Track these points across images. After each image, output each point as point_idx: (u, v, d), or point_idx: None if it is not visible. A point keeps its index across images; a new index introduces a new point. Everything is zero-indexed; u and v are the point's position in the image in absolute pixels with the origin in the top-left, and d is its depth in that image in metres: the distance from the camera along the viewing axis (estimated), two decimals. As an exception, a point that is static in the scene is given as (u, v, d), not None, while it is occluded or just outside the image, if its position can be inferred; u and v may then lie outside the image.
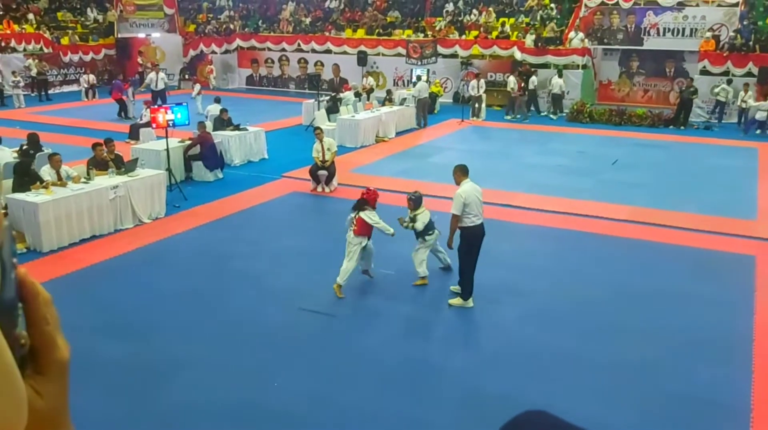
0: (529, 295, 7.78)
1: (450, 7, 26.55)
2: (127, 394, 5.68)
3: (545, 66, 22.14)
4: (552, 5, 24.60)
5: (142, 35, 28.44)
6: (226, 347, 6.52)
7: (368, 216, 7.50)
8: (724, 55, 20.25)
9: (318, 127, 13.10)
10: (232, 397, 5.64)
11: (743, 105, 18.80)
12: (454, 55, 24.34)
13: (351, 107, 18.16)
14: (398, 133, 18.08)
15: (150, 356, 6.32)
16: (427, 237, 7.85)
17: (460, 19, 25.71)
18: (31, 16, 26.43)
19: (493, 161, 14.34)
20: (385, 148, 16.53)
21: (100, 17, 29.30)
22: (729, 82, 19.66)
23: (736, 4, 21.33)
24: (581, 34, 22.29)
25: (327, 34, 27.06)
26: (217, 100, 17.35)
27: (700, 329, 6.96)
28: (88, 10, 29.39)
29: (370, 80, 23.01)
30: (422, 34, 25.27)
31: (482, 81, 20.64)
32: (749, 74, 19.80)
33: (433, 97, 21.15)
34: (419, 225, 7.77)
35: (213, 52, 27.90)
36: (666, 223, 10.47)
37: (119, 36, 28.32)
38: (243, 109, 19.11)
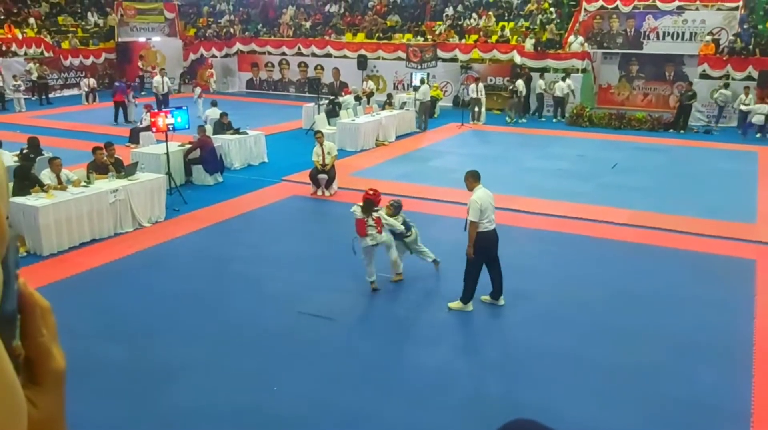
0: (529, 298, 7.78)
1: (450, 11, 26.61)
2: (127, 397, 5.68)
3: (545, 70, 22.17)
4: (552, 9, 24.65)
5: (142, 39, 28.48)
6: (225, 351, 6.52)
7: (380, 214, 7.72)
8: (724, 59, 20.28)
9: (318, 131, 13.12)
10: (231, 400, 5.64)
11: (743, 108, 18.82)
12: (454, 59, 24.37)
13: (351, 111, 18.17)
14: (398, 137, 18.10)
15: (150, 360, 6.32)
16: (405, 239, 8.13)
17: (459, 23, 25.75)
18: (32, 20, 26.48)
19: (493, 165, 14.34)
20: (385, 151, 16.55)
21: (100, 21, 29.35)
22: (726, 86, 19.68)
23: (736, 8, 21.36)
24: (581, 38, 22.32)
25: (327, 38, 27.11)
26: (214, 104, 17.41)
27: (701, 332, 6.96)
28: (89, 14, 29.45)
29: (370, 84, 23.03)
30: (422, 38, 25.31)
31: (481, 85, 20.67)
32: (749, 78, 19.81)
33: (433, 100, 21.17)
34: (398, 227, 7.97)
35: (213, 56, 27.94)
36: (666, 226, 10.47)
37: (120, 40, 28.34)
38: (243, 113, 19.12)
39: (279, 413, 5.52)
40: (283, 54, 27.77)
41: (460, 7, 26.77)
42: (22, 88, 22.89)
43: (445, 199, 11.87)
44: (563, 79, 21.07)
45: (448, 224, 10.48)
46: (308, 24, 28.46)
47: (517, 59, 22.71)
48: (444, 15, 26.49)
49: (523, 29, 24.16)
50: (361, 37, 26.70)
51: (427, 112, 19.67)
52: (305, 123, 18.98)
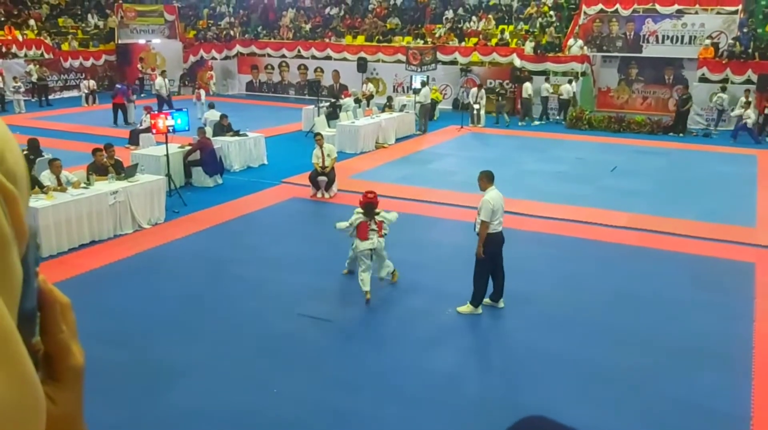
0: (530, 301, 7.78)
1: (450, 14, 26.64)
2: (127, 399, 5.67)
3: (545, 73, 22.21)
4: (551, 13, 24.69)
5: (142, 41, 28.51)
6: (225, 353, 6.51)
7: (383, 217, 7.68)
8: (723, 62, 20.32)
9: (318, 133, 13.13)
10: (231, 402, 5.63)
11: (733, 114, 18.89)
12: (453, 62, 24.42)
13: (351, 113, 18.19)
14: (398, 140, 18.12)
15: (149, 362, 6.31)
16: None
17: (459, 26, 25.79)
18: (32, 22, 26.51)
19: (492, 168, 14.07)
20: (384, 154, 16.56)
21: (100, 23, 29.38)
22: (723, 89, 19.71)
23: (735, 12, 21.40)
24: (580, 42, 22.36)
25: (327, 40, 27.14)
26: (211, 106, 17.46)
27: (700, 336, 6.96)
28: (89, 16, 29.48)
29: (370, 87, 23.06)
30: (422, 41, 25.35)
31: (483, 91, 20.70)
32: (748, 81, 19.85)
33: (433, 103, 21.21)
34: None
35: (213, 58, 27.97)
36: (665, 229, 10.47)
37: (120, 42, 28.37)
38: (243, 115, 19.14)
39: (279, 415, 5.51)
40: (283, 56, 27.80)
41: (460, 10, 26.81)
42: (22, 89, 22.90)
43: (444, 202, 11.87)
44: (570, 82, 21.16)
45: (448, 227, 10.49)
46: (308, 26, 28.49)
47: (517, 62, 22.75)
48: (444, 18, 26.53)
49: (523, 32, 24.20)
50: (360, 39, 26.73)
51: (427, 115, 19.69)
52: (305, 125, 19.00)
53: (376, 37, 26.60)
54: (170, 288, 8.10)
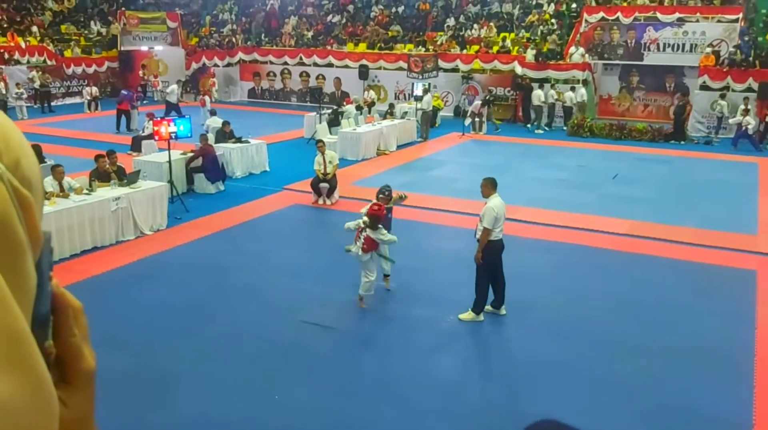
0: (531, 308, 7.78)
1: (451, 21, 26.73)
2: (128, 407, 5.67)
3: (546, 81, 22.28)
4: (553, 21, 24.77)
5: (144, 48, 28.61)
6: (227, 360, 6.51)
7: (377, 236, 7.39)
8: (724, 70, 20.36)
9: (320, 140, 13.15)
10: (232, 409, 5.63)
11: (732, 121, 18.95)
12: (455, 70, 24.48)
13: (352, 120, 18.24)
14: (399, 147, 18.14)
15: (150, 368, 6.31)
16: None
17: (461, 33, 25.87)
18: (35, 28, 26.61)
19: (494, 175, 14.24)
20: (386, 161, 16.59)
21: (103, 30, 29.50)
22: (723, 96, 19.74)
23: (736, 20, 21.47)
24: (582, 49, 22.43)
25: (329, 47, 27.22)
26: (213, 113, 17.53)
27: (702, 343, 6.95)
28: (92, 23, 29.60)
29: (372, 94, 23.12)
30: (423, 49, 25.42)
31: (486, 107, 20.73)
32: (749, 89, 19.89)
33: (435, 110, 21.26)
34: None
35: (215, 65, 28.05)
36: (667, 237, 10.48)
37: (122, 49, 28.49)
38: (245, 122, 19.17)
39: (280, 422, 5.51)
40: (285, 63, 27.89)
41: (461, 18, 26.90)
42: (25, 96, 22.95)
43: (446, 209, 11.89)
44: (572, 89, 21.28)
45: (450, 234, 10.50)
46: (310, 34, 28.59)
47: (518, 70, 22.80)
48: (445, 26, 26.62)
49: (524, 40, 24.27)
50: (362, 47, 26.82)
51: (429, 122, 19.74)
52: (307, 132, 19.04)
53: (378, 45, 26.68)
54: (172, 294, 8.11)
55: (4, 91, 22.65)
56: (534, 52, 22.89)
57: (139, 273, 8.84)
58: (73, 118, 22.41)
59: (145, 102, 25.16)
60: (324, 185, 12.26)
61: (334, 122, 18.10)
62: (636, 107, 23.53)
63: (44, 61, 25.49)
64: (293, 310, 7.63)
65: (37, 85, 24.32)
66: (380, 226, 7.49)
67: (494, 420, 5.53)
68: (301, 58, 27.43)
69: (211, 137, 14.06)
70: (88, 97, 24.08)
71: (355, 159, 16.36)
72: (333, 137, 16.85)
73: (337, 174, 12.45)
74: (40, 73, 24.49)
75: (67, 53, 26.80)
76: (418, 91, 20.06)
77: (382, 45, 26.65)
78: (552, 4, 25.59)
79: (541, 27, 24.60)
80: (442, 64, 24.21)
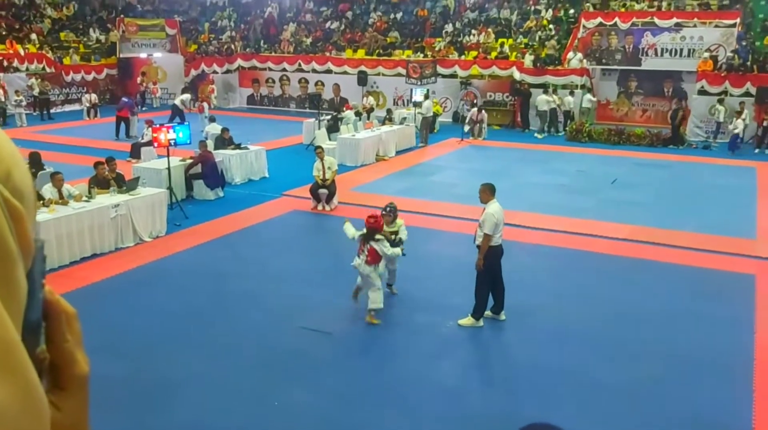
0: (531, 313, 7.78)
1: (449, 28, 26.80)
2: (127, 413, 5.66)
3: (544, 86, 22.35)
4: (551, 26, 24.84)
5: (143, 55, 28.67)
6: (226, 366, 6.50)
7: (380, 248, 7.26)
8: (722, 75, 20.41)
9: (319, 146, 13.17)
10: (231, 416, 5.62)
11: (730, 127, 19.06)
12: (453, 75, 24.53)
13: (351, 126, 18.27)
14: (398, 152, 18.17)
15: (150, 375, 6.30)
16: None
17: (459, 39, 25.94)
18: (34, 36, 26.66)
19: (493, 180, 14.17)
20: (385, 166, 16.60)
21: (102, 37, 29.56)
22: (721, 101, 19.79)
23: (734, 25, 21.54)
24: (580, 55, 22.50)
25: (328, 54, 27.29)
26: (212, 119, 17.57)
27: (701, 347, 6.95)
28: (91, 30, 29.65)
29: (371, 100, 23.17)
30: (422, 55, 25.49)
31: (484, 113, 20.78)
32: (747, 94, 19.94)
33: (434, 116, 21.30)
34: (404, 235, 7.78)
35: (214, 71, 28.10)
36: (666, 241, 10.48)
37: (121, 56, 28.55)
38: (244, 129, 19.21)
39: (280, 428, 5.50)
40: (284, 70, 27.94)
41: (459, 24, 26.97)
42: (24, 103, 22.97)
43: (446, 214, 11.89)
44: (571, 94, 21.38)
45: (450, 239, 10.50)
46: (309, 40, 28.66)
47: (516, 75, 22.86)
48: (443, 32, 26.69)
49: (522, 46, 24.33)
50: (361, 53, 26.89)
51: (429, 128, 19.77)
52: (306, 138, 19.07)
53: (377, 51, 26.75)
54: (171, 301, 8.10)
55: (3, 99, 22.70)
56: (532, 57, 22.96)
57: (139, 280, 8.83)
58: (72, 126, 22.44)
59: (144, 109, 25.19)
60: (323, 191, 12.27)
61: (333, 128, 18.13)
62: (634, 112, 23.56)
63: (43, 68, 25.54)
64: (293, 316, 7.63)
65: (36, 92, 24.35)
66: (383, 237, 7.35)
67: (495, 425, 5.52)
68: (299, 65, 27.49)
69: (210, 144, 14.08)
70: (87, 105, 24.11)
71: (354, 165, 16.38)
72: (332, 143, 16.87)
73: (336, 180, 12.46)
74: (39, 80, 24.53)
75: (66, 60, 26.85)
76: (417, 97, 20.13)
77: (381, 51, 26.72)
78: (550, 10, 25.67)
79: (539, 33, 24.67)
80: (440, 70, 24.26)
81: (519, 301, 7.91)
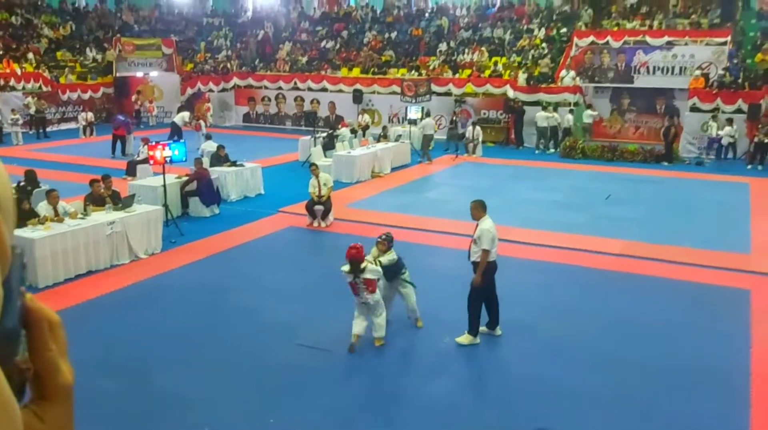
0: (526, 329, 7.78)
1: (443, 47, 27.04)
2: (121, 429, 5.63)
3: (538, 104, 22.53)
4: (544, 45, 25.09)
5: (140, 74, 28.79)
6: (222, 383, 6.48)
7: (373, 273, 7.08)
8: (714, 92, 20.61)
9: (313, 164, 13.23)
10: (227, 432, 5.59)
11: (719, 133, 19.40)
12: (447, 93, 24.70)
13: (347, 143, 18.36)
14: (394, 169, 18.24)
15: (146, 393, 6.27)
16: (402, 276, 7.66)
17: (453, 58, 26.16)
18: (30, 55, 26.78)
19: (487, 196, 14.23)
20: (380, 183, 16.66)
21: (99, 57, 29.69)
22: (714, 117, 19.98)
23: (725, 43, 21.80)
24: (572, 73, 22.71)
25: (323, 72, 27.47)
26: (208, 137, 17.66)
27: (697, 362, 6.95)
28: (87, 49, 29.80)
29: (366, 117, 23.29)
30: (416, 73, 25.68)
31: (478, 128, 20.96)
32: (739, 111, 20.13)
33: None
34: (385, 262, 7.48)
35: (210, 90, 28.24)
36: (660, 257, 10.52)
37: (118, 75, 28.67)
38: (240, 146, 19.25)
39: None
40: (280, 88, 28.10)
41: (453, 43, 27.22)
42: (20, 122, 23.02)
43: (441, 230, 11.92)
44: (571, 112, 21.62)
45: (445, 255, 10.52)
46: (304, 59, 28.85)
47: (510, 93, 23.04)
48: (438, 50, 26.92)
49: (516, 64, 24.56)
50: (356, 71, 27.07)
51: (430, 144, 19.82)
52: (301, 155, 19.13)
53: (372, 70, 26.95)
54: (167, 318, 8.08)
55: (-1, 118, 22.74)
56: (525, 75, 23.16)
57: (134, 297, 8.81)
58: (68, 144, 22.46)
59: (141, 127, 25.25)
60: (319, 208, 12.30)
61: (328, 146, 18.21)
62: (627, 129, 23.73)
63: (40, 87, 25.61)
64: (289, 333, 7.61)
65: (32, 111, 24.40)
66: (367, 264, 7.07)
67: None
68: (295, 83, 27.65)
69: (206, 161, 14.11)
70: (84, 123, 24.15)
71: (350, 181, 16.43)
72: (328, 160, 16.94)
73: (331, 196, 12.49)
74: (36, 99, 24.59)
75: (63, 79, 26.94)
76: (412, 115, 20.30)
77: (376, 70, 26.91)
78: (542, 29, 25.95)
79: (532, 51, 24.90)
80: (434, 88, 24.45)
81: (513, 316, 7.92)
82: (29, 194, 10.83)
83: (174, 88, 28.51)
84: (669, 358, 7.04)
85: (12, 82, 24.89)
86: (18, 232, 8.09)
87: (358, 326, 7.15)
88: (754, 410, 6.02)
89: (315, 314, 8.10)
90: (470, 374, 7.07)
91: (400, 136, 20.31)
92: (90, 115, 24.58)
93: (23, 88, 25.14)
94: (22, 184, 11.60)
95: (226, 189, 14.16)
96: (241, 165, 14.81)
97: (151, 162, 12.45)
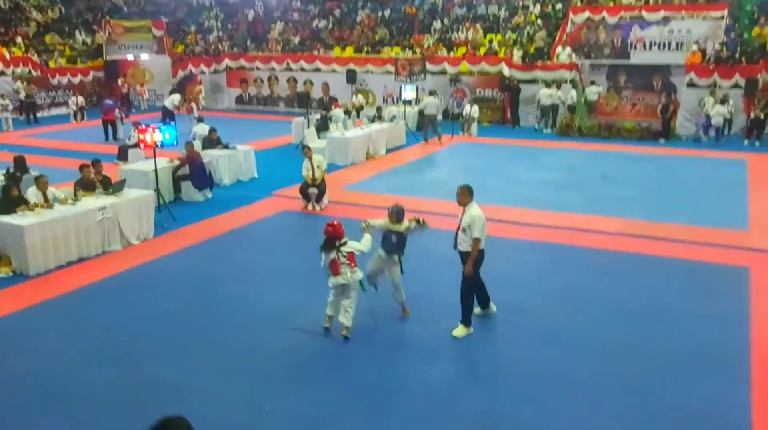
0: (523, 311, 7.70)
1: (438, 24, 26.73)
2: (115, 417, 5.54)
3: (533, 81, 22.32)
4: (539, 21, 24.81)
5: (130, 57, 28.44)
6: (216, 370, 6.39)
7: (355, 248, 7.05)
8: (711, 67, 20.43)
9: (306, 146, 13.06)
10: (222, 420, 5.50)
11: (711, 112, 19.25)
12: (442, 72, 24.47)
13: (341, 125, 18.17)
14: (388, 150, 18.09)
15: (140, 380, 6.18)
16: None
17: (447, 36, 25.88)
18: (19, 39, 26.39)
19: (484, 176, 14.30)
20: (375, 165, 16.50)
21: (88, 40, 29.30)
22: (712, 92, 19.81)
23: (722, 18, 21.58)
24: (568, 49, 22.47)
25: (316, 53, 27.16)
26: (200, 120, 17.46)
27: (696, 341, 6.89)
28: (77, 32, 29.39)
29: (360, 98, 23.07)
30: (411, 52, 25.41)
31: (475, 107, 20.80)
32: (736, 86, 19.97)
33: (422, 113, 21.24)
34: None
35: (202, 72, 27.94)
36: (658, 235, 10.44)
37: (108, 58, 28.31)
38: (232, 129, 19.06)
39: (271, 432, 5.39)
40: (272, 69, 27.82)
41: (447, 21, 26.90)
42: (10, 107, 22.75)
43: (437, 212, 11.78)
44: (574, 88, 21.49)
45: (441, 237, 10.39)
46: (297, 39, 28.52)
47: (506, 71, 22.82)
48: (432, 29, 26.62)
49: (511, 42, 24.29)
50: (349, 51, 26.78)
51: (434, 123, 19.60)
52: (295, 138, 18.96)
53: (365, 49, 26.65)
54: (160, 305, 7.97)
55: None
56: (521, 53, 22.93)
57: (127, 284, 8.69)
58: (59, 129, 22.23)
59: (133, 111, 24.97)
60: (313, 191, 12.17)
61: (322, 127, 18.03)
62: (624, 106, 23.53)
63: (29, 71, 25.29)
64: (284, 317, 7.52)
65: (22, 96, 24.12)
66: (346, 240, 7.04)
67: (491, 428, 5.44)
68: (288, 64, 27.36)
69: (197, 144, 13.93)
70: (74, 108, 23.90)
71: (344, 164, 16.28)
72: (321, 142, 16.77)
73: (325, 179, 12.35)
74: (25, 84, 24.29)
75: (52, 63, 26.59)
76: (406, 95, 20.10)
77: (369, 49, 26.62)
78: (538, 6, 25.65)
79: (527, 28, 24.63)
80: (429, 67, 24.19)
81: (510, 298, 7.84)
82: (18, 181, 10.65)
83: (165, 70, 28.18)
84: (668, 338, 6.97)
85: (1, 67, 24.54)
86: (7, 219, 7.89)
87: (333, 307, 7.13)
88: (754, 390, 5.96)
89: (310, 299, 7.99)
90: (468, 359, 6.97)
91: (394, 116, 20.11)
92: (81, 100, 24.32)
93: (12, 73, 24.82)
94: (11, 170, 11.42)
95: (219, 173, 14.00)
96: (234, 148, 14.64)
97: (143, 146, 12.26)
